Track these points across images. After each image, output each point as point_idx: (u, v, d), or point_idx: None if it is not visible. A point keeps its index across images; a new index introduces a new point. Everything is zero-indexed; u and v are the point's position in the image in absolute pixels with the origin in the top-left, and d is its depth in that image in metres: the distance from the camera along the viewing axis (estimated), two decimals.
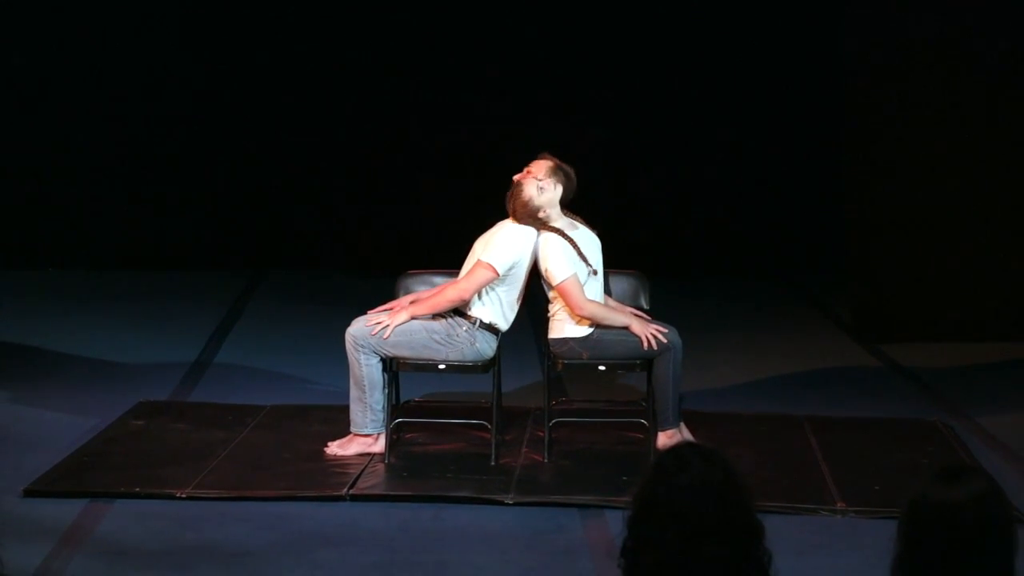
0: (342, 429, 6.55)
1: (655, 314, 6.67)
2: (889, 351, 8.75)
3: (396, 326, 6.35)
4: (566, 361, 6.51)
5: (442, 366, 6.44)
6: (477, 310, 6.40)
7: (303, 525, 5.67)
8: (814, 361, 8.56)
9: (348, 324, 6.44)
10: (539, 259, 6.38)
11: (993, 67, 8.80)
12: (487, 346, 6.43)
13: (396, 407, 6.65)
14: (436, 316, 6.40)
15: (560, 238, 6.38)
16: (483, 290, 6.38)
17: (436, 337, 6.38)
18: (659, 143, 11.11)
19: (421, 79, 11.13)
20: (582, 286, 6.36)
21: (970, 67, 8.80)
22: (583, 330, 6.42)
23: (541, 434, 6.60)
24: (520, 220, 6.38)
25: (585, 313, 6.36)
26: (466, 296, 6.35)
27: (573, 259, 6.37)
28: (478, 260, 6.34)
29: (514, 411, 7.09)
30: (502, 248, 6.32)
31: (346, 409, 6.52)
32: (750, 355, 8.69)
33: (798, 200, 10.94)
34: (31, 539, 5.37)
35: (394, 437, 6.52)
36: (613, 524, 5.48)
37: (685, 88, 11.03)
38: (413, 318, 6.37)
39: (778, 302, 10.44)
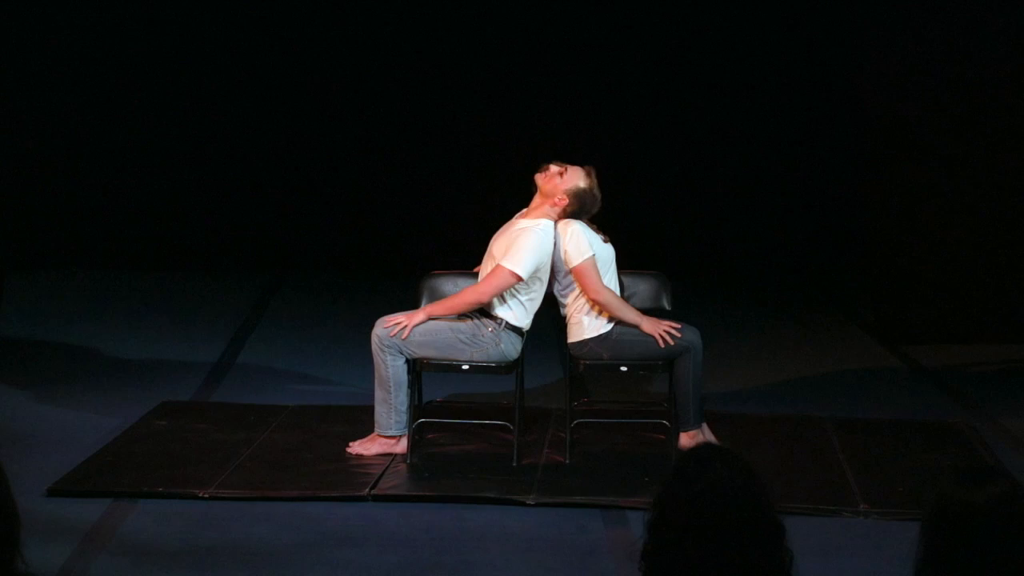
0: (364, 429, 6.56)
1: (678, 315, 6.66)
2: (912, 352, 8.73)
3: (414, 326, 6.36)
4: (587, 362, 6.51)
5: (465, 367, 6.44)
6: (502, 311, 6.39)
7: (325, 525, 5.67)
8: (837, 362, 8.54)
9: (371, 325, 6.44)
10: (558, 245, 6.38)
11: (1008, 75, 8.77)
12: (512, 347, 6.42)
13: (418, 407, 6.65)
14: (462, 316, 6.40)
15: (582, 223, 6.38)
16: (507, 292, 6.39)
17: (462, 337, 6.38)
18: (680, 143, 11.09)
19: (437, 80, 11.12)
20: (599, 271, 6.36)
21: (987, 75, 8.77)
22: (601, 327, 6.40)
23: (563, 435, 6.60)
24: (562, 204, 6.37)
25: (600, 298, 6.34)
26: (484, 299, 6.35)
27: (594, 242, 6.38)
28: (499, 265, 6.33)
29: (536, 412, 7.08)
30: (526, 254, 6.29)
31: (368, 409, 6.52)
32: (772, 356, 8.68)
33: (822, 201, 10.91)
34: (55, 539, 5.39)
35: (416, 438, 6.52)
36: (635, 525, 5.48)
37: (703, 86, 11.00)
38: (431, 318, 6.38)
39: (801, 303, 10.42)
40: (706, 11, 10.94)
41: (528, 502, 5.93)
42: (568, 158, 6.55)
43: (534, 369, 7.18)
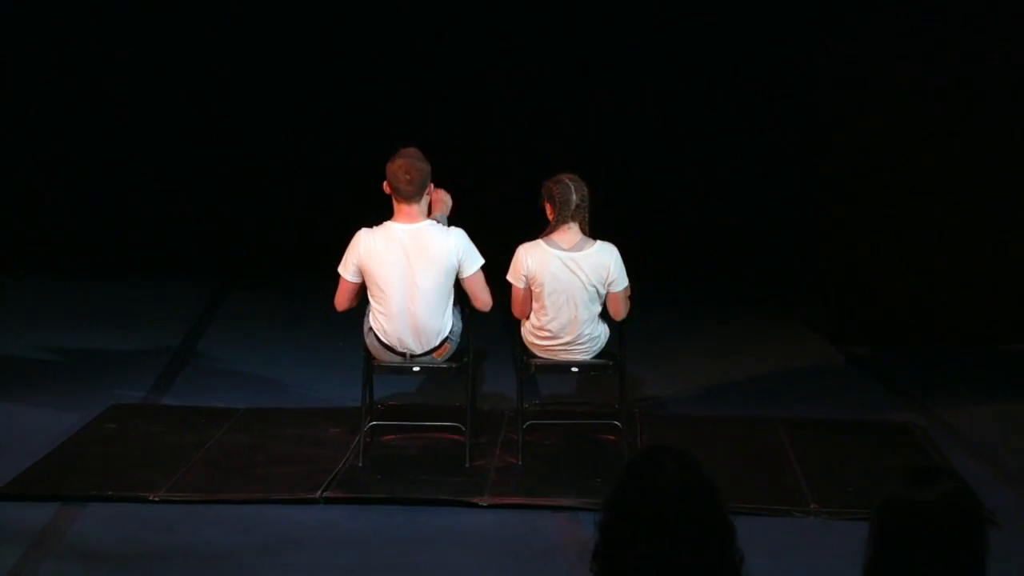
0: (316, 431, 6.54)
1: (630, 318, 6.67)
2: (861, 353, 8.79)
3: None
4: (538, 362, 6.52)
5: (416, 368, 6.44)
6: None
7: (277, 528, 5.66)
8: (788, 363, 8.58)
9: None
10: (597, 262, 6.47)
11: (968, 76, 8.86)
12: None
13: (370, 409, 6.65)
14: None
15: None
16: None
17: None
18: (628, 145, 11.10)
19: (406, 85, 11.10)
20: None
21: (947, 75, 8.85)
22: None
23: (515, 436, 6.61)
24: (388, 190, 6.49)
25: (624, 315, 6.49)
26: (336, 304, 6.40)
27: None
28: None
29: (488, 413, 7.10)
30: (346, 254, 6.37)
31: (318, 412, 6.50)
32: (724, 357, 8.71)
33: (774, 203, 10.95)
34: (3, 543, 5.35)
35: (368, 440, 6.52)
36: (586, 526, 5.48)
37: (655, 86, 11.01)
38: None
39: (753, 304, 10.45)
40: (673, 16, 10.95)
41: (480, 503, 5.94)
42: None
43: (485, 370, 7.18)
